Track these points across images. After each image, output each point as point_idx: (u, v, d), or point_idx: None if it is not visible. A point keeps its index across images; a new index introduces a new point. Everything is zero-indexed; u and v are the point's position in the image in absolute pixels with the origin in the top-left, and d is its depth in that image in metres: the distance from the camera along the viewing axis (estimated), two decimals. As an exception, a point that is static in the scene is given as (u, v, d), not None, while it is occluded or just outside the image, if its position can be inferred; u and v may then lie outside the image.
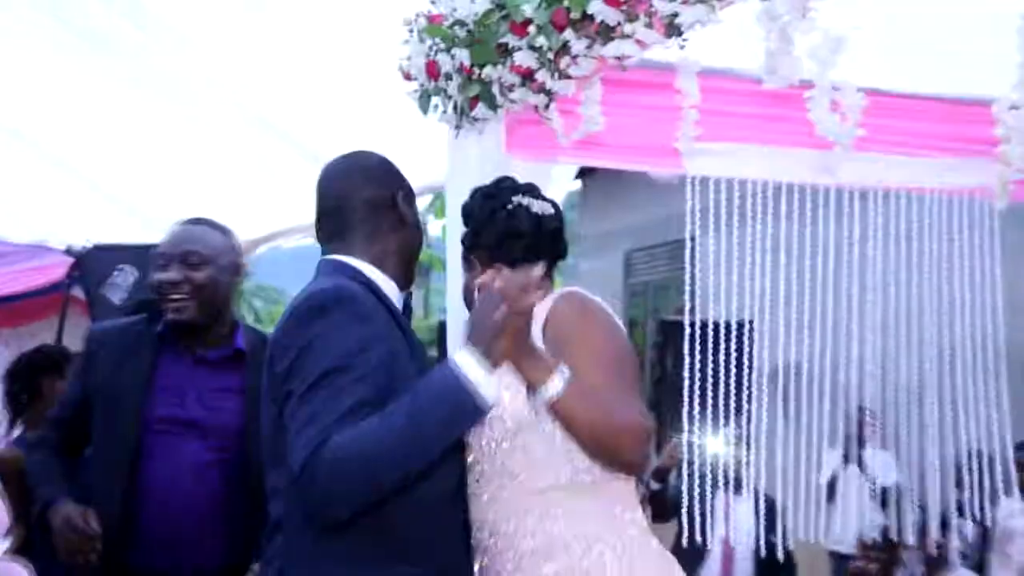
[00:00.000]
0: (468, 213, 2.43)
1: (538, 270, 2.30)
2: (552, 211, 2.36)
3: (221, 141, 4.69)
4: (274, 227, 5.61)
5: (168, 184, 5.25)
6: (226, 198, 5.01)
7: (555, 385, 1.97)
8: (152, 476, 2.80)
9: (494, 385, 1.90)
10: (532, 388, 2.02)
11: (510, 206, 2.31)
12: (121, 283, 5.22)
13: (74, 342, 5.34)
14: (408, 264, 2.26)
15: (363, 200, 2.20)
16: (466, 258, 2.44)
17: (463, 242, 2.44)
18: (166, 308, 2.85)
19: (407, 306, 2.28)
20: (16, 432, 4.55)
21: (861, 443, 4.43)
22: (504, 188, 2.40)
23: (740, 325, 3.73)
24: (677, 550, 2.95)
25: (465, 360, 1.88)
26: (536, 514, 2.12)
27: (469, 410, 1.89)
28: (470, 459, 2.21)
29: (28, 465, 3.03)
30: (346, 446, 1.80)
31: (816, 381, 3.77)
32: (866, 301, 3.70)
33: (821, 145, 2.99)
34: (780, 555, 3.64)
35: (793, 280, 3.66)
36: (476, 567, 2.24)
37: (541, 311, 2.16)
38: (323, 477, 1.81)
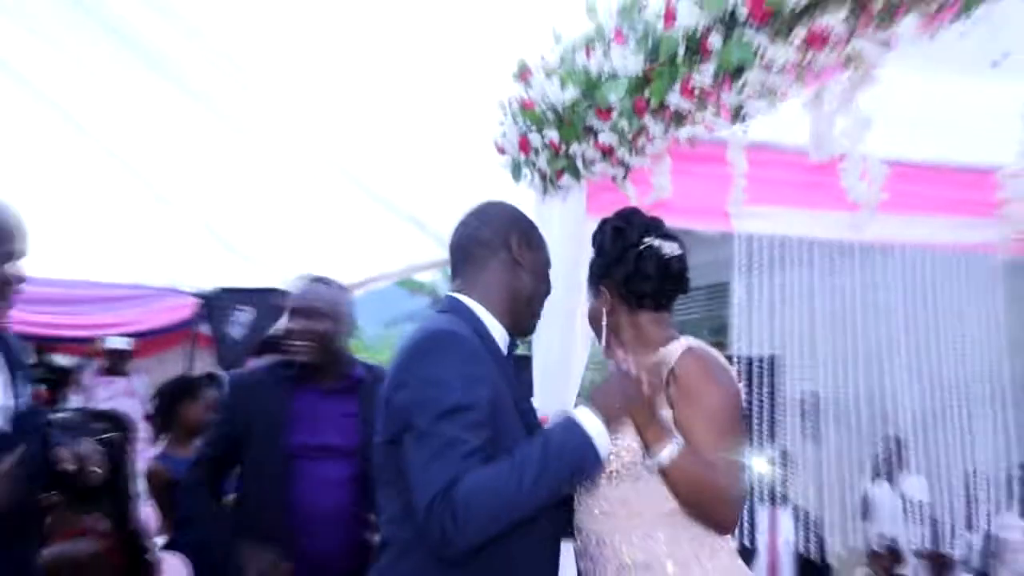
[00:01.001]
0: (600, 246, 2.28)
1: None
2: (679, 252, 2.23)
3: (324, 201, 4.73)
4: (363, 275, 5.62)
5: (279, 237, 5.31)
6: (325, 250, 5.10)
7: (669, 453, 1.96)
8: (300, 493, 2.85)
9: (610, 447, 1.88)
10: (648, 449, 1.99)
11: (642, 247, 2.20)
12: (242, 321, 5.33)
13: (201, 370, 5.46)
14: (518, 308, 2.09)
15: (479, 242, 2.09)
16: (595, 286, 2.29)
17: (592, 270, 2.30)
18: (294, 351, 2.93)
19: (511, 349, 2.13)
20: (159, 448, 4.65)
21: (898, 466, 4.35)
22: (634, 224, 2.25)
23: (772, 359, 3.76)
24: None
25: (590, 421, 1.85)
26: (640, 533, 2.05)
27: (591, 467, 1.87)
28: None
29: (184, 496, 3.12)
30: (477, 492, 1.74)
31: (843, 410, 3.79)
32: (891, 341, 3.71)
33: (851, 207, 2.99)
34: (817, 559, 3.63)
35: (821, 322, 3.70)
36: (578, 568, 2.19)
37: (668, 357, 2.11)
38: (452, 517, 1.73)
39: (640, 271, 2.20)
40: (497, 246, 2.08)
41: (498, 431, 1.86)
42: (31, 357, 2.44)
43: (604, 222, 2.31)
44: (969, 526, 4.27)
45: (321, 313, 2.94)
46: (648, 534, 2.05)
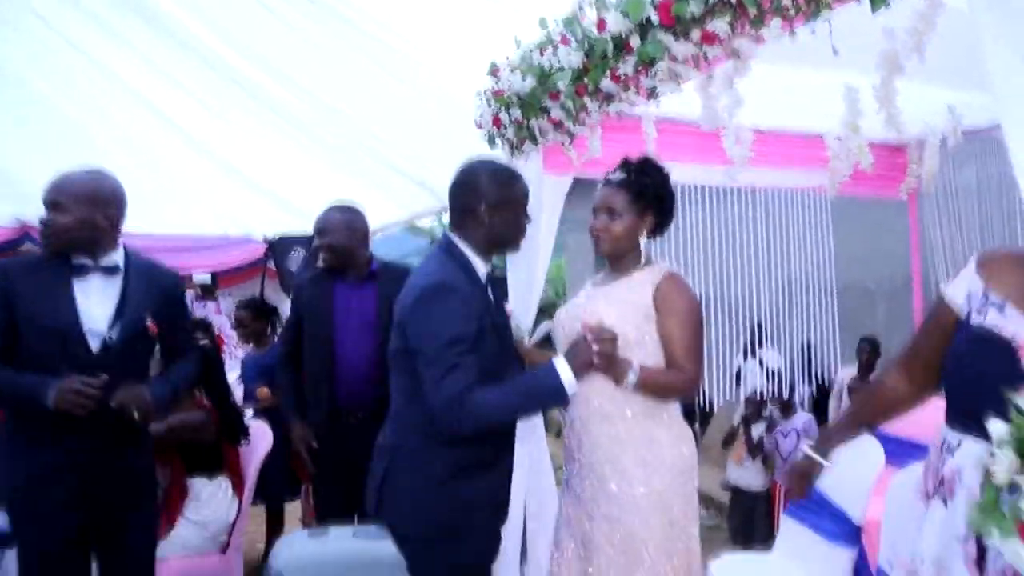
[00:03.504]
0: (650, 180, 2.09)
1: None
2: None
3: (350, 168, 4.62)
4: (379, 222, 5.52)
5: (320, 196, 5.17)
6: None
7: (630, 381, 1.94)
8: (340, 354, 2.89)
9: (576, 386, 1.88)
10: (616, 384, 1.96)
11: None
12: (296, 256, 5.30)
13: (270, 296, 5.46)
14: (495, 243, 2.00)
15: (463, 190, 1.99)
16: (638, 211, 2.08)
17: (640, 197, 2.07)
18: (321, 260, 2.95)
19: (491, 275, 2.07)
20: (245, 351, 4.67)
21: (759, 343, 4.41)
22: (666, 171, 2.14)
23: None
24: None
25: (563, 369, 1.86)
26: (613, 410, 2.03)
27: (561, 402, 1.95)
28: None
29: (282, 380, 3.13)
30: (482, 404, 1.80)
31: (722, 306, 3.85)
32: (756, 256, 3.77)
33: (728, 162, 3.00)
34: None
35: (709, 245, 3.73)
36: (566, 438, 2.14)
37: (654, 278, 2.04)
38: (462, 418, 1.79)
39: (673, 205, 2.14)
40: (475, 194, 1.96)
41: (483, 348, 1.86)
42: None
43: (644, 161, 2.13)
44: (807, 381, 4.39)
45: (335, 231, 2.91)
46: (619, 412, 2.03)
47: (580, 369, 1.89)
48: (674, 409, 2.10)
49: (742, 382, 4.43)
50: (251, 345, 4.63)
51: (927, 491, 1.51)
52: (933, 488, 1.49)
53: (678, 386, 2.03)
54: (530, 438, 2.94)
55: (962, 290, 1.48)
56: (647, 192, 2.09)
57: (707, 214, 3.60)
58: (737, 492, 4.57)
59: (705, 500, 5.34)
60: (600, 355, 1.89)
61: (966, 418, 1.40)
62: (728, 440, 4.75)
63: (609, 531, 1.99)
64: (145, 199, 3.52)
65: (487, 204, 1.96)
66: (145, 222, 3.80)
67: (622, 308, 2.02)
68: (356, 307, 2.94)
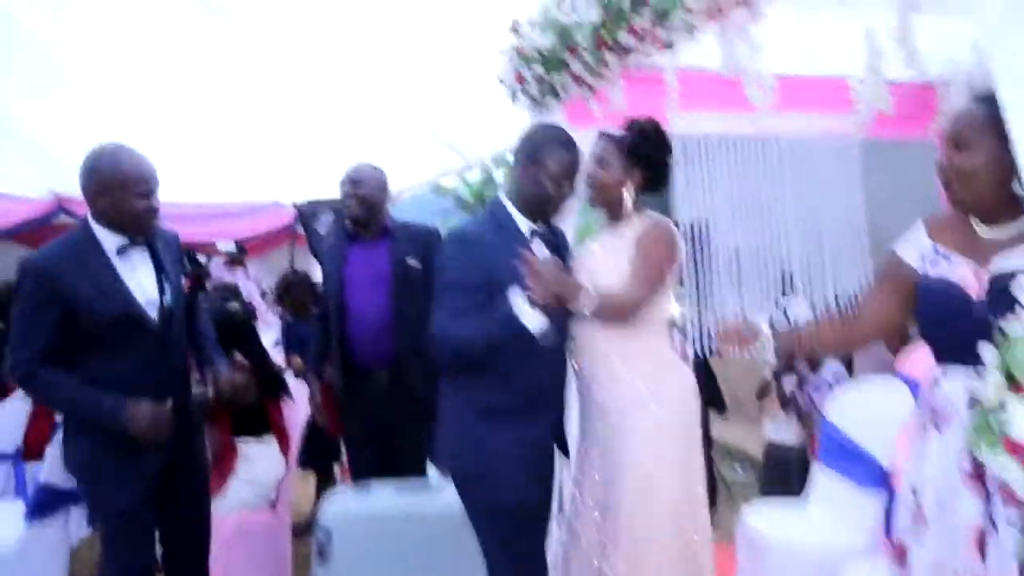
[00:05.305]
0: (645, 138, 2.28)
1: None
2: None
3: (379, 132, 4.81)
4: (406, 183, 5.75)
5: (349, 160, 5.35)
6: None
7: (587, 307, 2.08)
8: (353, 313, 3.06)
9: (540, 320, 1.98)
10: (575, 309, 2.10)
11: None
12: (325, 221, 5.49)
13: (300, 262, 5.67)
14: (534, 205, 2.16)
15: (514, 153, 2.20)
16: (628, 166, 2.27)
17: (631, 154, 2.26)
18: (347, 208, 3.10)
19: (546, 232, 2.23)
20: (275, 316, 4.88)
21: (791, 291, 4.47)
22: (663, 132, 2.31)
23: (705, 222, 3.89)
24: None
25: (523, 309, 1.97)
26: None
27: (525, 336, 1.99)
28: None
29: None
30: (455, 334, 2.03)
31: (752, 256, 3.93)
32: (783, 205, 3.83)
33: (752, 110, 3.07)
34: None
35: (737, 195, 3.79)
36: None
37: (639, 228, 2.25)
38: (441, 347, 2.06)
39: (667, 165, 2.31)
40: (521, 157, 2.17)
41: (496, 291, 2.02)
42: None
43: (647, 122, 2.30)
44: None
45: (367, 181, 3.08)
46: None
47: (541, 301, 1.98)
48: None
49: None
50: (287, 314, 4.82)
51: (923, 424, 1.73)
52: (929, 420, 1.71)
53: (615, 307, 2.15)
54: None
55: (913, 250, 1.79)
56: (638, 151, 2.26)
57: (733, 164, 3.66)
58: (771, 447, 4.64)
59: (738, 455, 5.51)
60: (547, 284, 1.97)
61: (944, 354, 1.71)
62: (762, 393, 4.85)
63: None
64: (173, 166, 3.70)
65: (520, 160, 2.17)
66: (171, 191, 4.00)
67: (614, 257, 2.23)
68: (370, 264, 3.06)
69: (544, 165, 2.14)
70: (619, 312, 2.18)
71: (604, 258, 2.26)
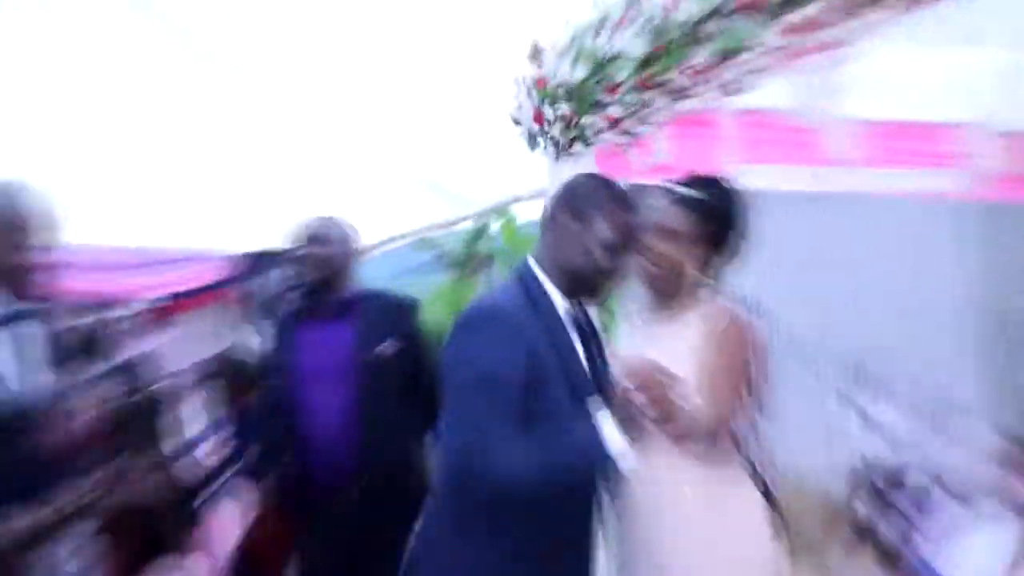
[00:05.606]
0: (712, 205, 2.26)
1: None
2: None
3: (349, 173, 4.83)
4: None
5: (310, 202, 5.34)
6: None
7: (686, 432, 2.04)
8: (307, 414, 3.02)
9: (632, 456, 1.88)
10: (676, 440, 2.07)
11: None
12: (274, 278, 5.43)
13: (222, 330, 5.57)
14: (569, 278, 2.03)
15: (549, 215, 2.07)
16: (695, 244, 2.25)
17: (700, 230, 2.25)
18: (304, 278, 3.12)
19: (579, 313, 2.11)
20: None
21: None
22: (730, 186, 2.32)
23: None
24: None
25: (613, 436, 1.86)
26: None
27: (604, 463, 1.88)
28: None
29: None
30: (503, 461, 1.81)
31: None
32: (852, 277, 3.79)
33: (829, 162, 3.11)
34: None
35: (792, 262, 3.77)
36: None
37: (711, 318, 2.20)
38: (475, 473, 1.82)
39: (743, 237, 2.27)
40: (561, 215, 2.04)
41: (544, 395, 1.90)
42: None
43: (723, 180, 2.31)
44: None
45: (333, 241, 3.09)
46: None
47: (629, 429, 1.89)
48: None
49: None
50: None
51: None
52: None
53: (691, 431, 2.09)
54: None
55: None
56: (717, 216, 2.24)
57: (793, 224, 3.68)
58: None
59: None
60: (652, 403, 1.91)
61: None
62: (830, 523, 4.76)
63: None
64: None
65: (560, 218, 2.03)
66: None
67: (668, 357, 2.09)
68: (329, 351, 3.04)
69: (593, 227, 2.00)
70: (704, 436, 2.11)
71: (655, 356, 2.09)
